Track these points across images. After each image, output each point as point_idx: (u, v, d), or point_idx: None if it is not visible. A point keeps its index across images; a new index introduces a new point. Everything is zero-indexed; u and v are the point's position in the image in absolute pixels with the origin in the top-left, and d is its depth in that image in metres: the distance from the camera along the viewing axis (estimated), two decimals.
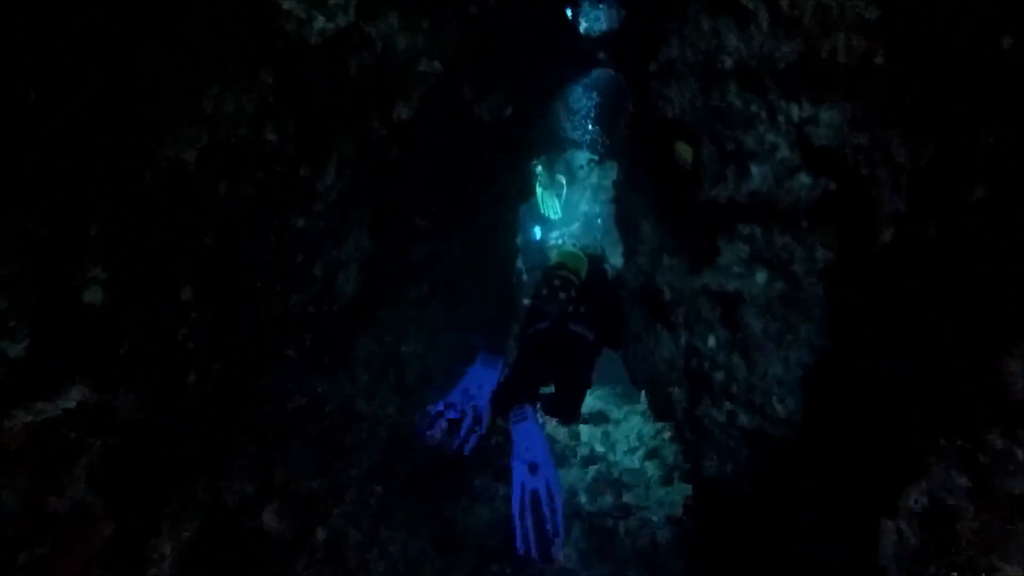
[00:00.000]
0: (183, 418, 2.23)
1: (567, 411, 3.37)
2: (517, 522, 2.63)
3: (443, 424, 2.88)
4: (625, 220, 3.44)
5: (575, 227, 8.37)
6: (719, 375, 2.51)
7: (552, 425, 5.13)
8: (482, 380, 3.12)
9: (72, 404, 1.42)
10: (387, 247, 3.40)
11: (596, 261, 3.84)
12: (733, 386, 2.44)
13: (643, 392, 6.15)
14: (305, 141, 2.13)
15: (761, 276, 2.31)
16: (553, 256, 3.80)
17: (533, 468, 2.73)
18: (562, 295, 3.23)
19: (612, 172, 7.17)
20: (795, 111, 1.99)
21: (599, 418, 5.40)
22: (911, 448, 1.72)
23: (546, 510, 2.62)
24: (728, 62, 1.98)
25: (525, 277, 5.91)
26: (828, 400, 2.26)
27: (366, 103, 2.22)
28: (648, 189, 3.07)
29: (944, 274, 1.66)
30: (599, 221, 7.80)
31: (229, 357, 2.38)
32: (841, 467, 2.26)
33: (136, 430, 1.82)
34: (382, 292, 3.67)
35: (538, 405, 3.11)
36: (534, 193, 4.14)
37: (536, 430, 2.91)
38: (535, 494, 2.66)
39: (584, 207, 8.10)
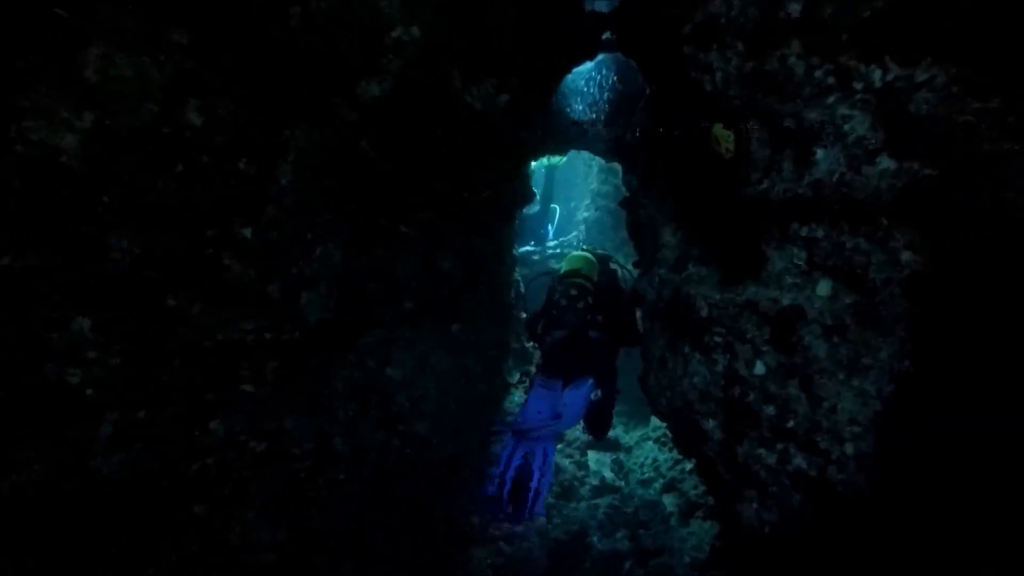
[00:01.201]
0: (96, 485, 1.72)
1: (599, 423, 3.18)
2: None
3: (508, 488, 2.65)
4: (640, 226, 2.96)
5: (572, 236, 7.91)
6: (770, 409, 2.01)
7: (557, 454, 4.62)
8: (541, 406, 2.83)
9: None
10: (366, 260, 2.91)
11: (605, 261, 3.73)
12: (789, 421, 1.95)
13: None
14: (247, 127, 1.63)
15: (824, 287, 1.82)
16: (563, 262, 3.63)
17: (557, 417, 2.70)
18: (580, 304, 3.15)
19: (615, 176, 6.72)
20: (877, 75, 1.52)
21: (608, 444, 4.90)
22: None
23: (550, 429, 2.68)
24: (794, 9, 1.50)
25: (523, 289, 5.43)
26: (914, 443, 1.78)
27: (325, 76, 1.73)
28: (670, 188, 2.59)
29: None
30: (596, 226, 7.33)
31: (158, 400, 1.88)
32: (927, 531, 1.77)
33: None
34: (363, 311, 3.18)
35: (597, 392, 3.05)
36: (534, 198, 3.67)
37: (584, 399, 2.83)
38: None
39: (584, 214, 7.63)
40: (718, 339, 2.14)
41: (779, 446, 2.04)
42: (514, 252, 4.66)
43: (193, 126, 1.49)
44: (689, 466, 4.07)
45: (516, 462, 2.64)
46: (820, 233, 1.79)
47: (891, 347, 1.73)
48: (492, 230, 3.72)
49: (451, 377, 4.09)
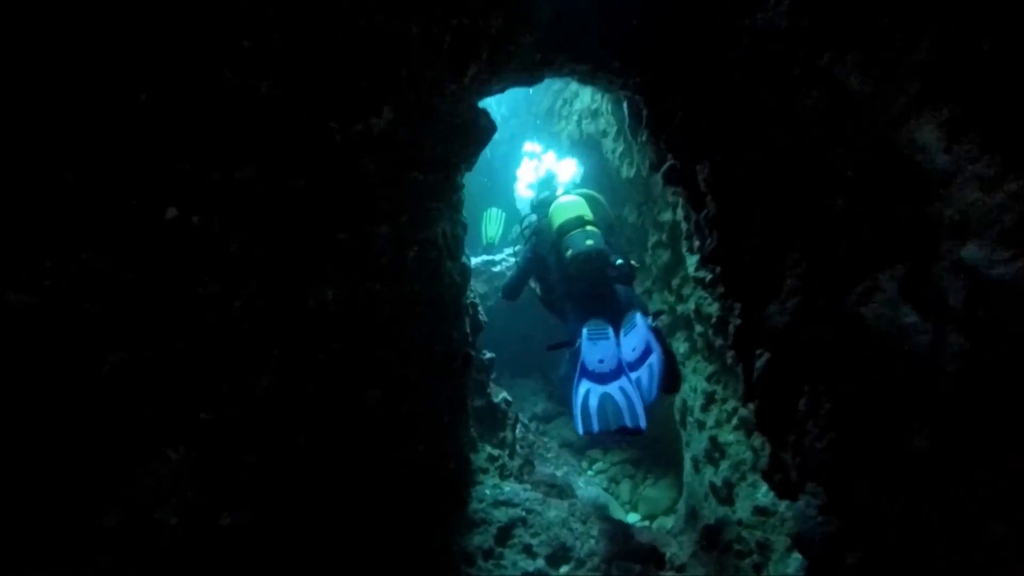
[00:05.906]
0: None
1: (669, 372, 2.53)
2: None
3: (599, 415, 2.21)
4: (690, 199, 1.20)
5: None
6: None
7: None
8: (601, 354, 2.41)
9: None
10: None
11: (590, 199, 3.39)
12: None
13: (689, 470, 3.85)
14: None
15: None
16: (555, 210, 3.07)
17: (647, 353, 2.41)
18: (595, 255, 2.82)
19: (597, 151, 4.97)
20: None
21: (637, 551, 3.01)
22: None
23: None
24: None
25: (484, 316, 3.62)
26: None
27: None
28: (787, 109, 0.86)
29: None
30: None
31: None
32: None
33: None
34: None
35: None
36: (495, 130, 1.95)
37: (646, 337, 2.50)
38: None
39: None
40: None
41: None
42: (465, 260, 2.80)
43: None
44: None
45: (595, 399, 2.23)
46: None
47: None
48: (407, 206, 1.86)
49: (369, 483, 2.20)
